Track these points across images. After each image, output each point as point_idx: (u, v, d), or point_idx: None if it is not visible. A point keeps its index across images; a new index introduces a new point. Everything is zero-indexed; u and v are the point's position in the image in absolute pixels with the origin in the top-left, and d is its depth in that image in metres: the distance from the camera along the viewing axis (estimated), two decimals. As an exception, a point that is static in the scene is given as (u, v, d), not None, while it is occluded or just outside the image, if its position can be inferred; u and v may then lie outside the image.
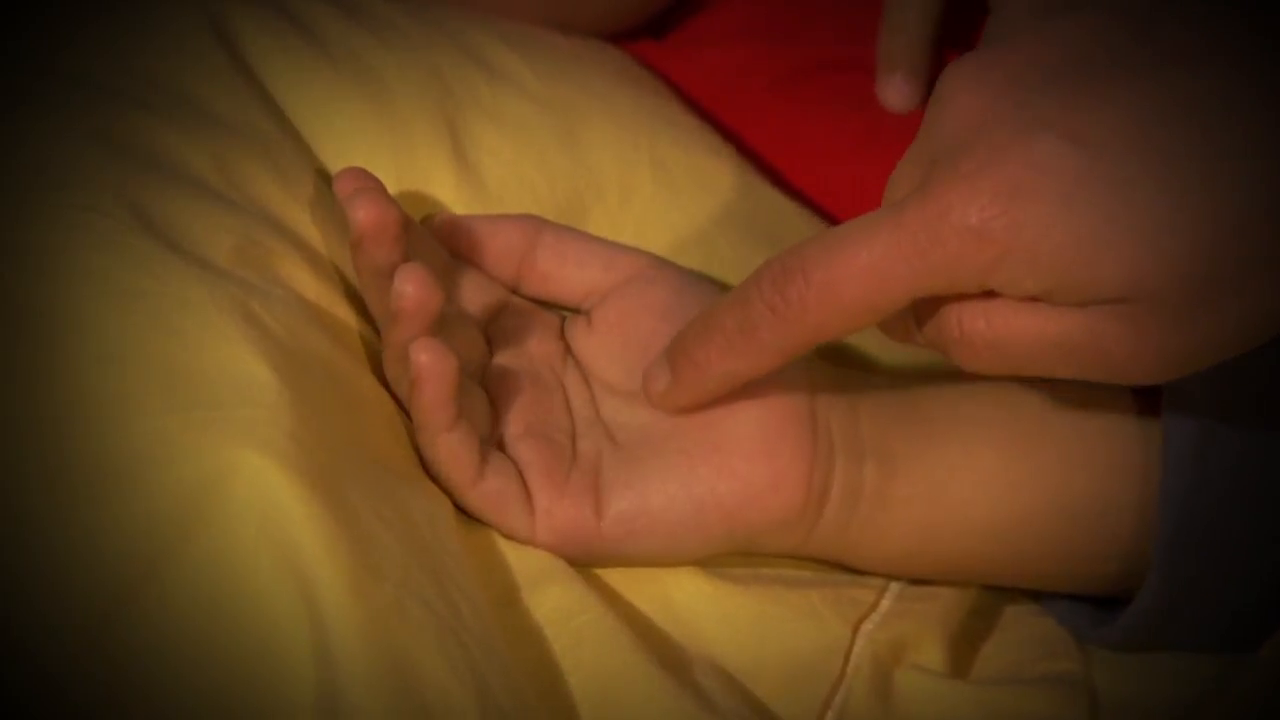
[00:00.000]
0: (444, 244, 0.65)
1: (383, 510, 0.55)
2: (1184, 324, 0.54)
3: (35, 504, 0.51)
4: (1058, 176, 0.53)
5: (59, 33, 0.64)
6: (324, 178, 0.65)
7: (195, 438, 0.53)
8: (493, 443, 0.61)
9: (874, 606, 0.64)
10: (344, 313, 0.62)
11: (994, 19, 0.58)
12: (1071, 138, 0.53)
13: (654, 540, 0.61)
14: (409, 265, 0.58)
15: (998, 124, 0.54)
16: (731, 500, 0.61)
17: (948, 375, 0.65)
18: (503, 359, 0.64)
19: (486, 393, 0.62)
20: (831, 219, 0.76)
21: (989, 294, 0.55)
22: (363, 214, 0.59)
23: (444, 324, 0.60)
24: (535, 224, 0.66)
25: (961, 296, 0.56)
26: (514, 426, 0.62)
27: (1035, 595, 0.68)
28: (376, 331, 0.63)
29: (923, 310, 0.57)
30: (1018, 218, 0.53)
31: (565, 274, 0.66)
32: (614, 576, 0.62)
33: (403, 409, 0.61)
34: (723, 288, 0.68)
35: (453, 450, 0.59)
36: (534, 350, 0.65)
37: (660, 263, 0.67)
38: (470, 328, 0.64)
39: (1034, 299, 0.55)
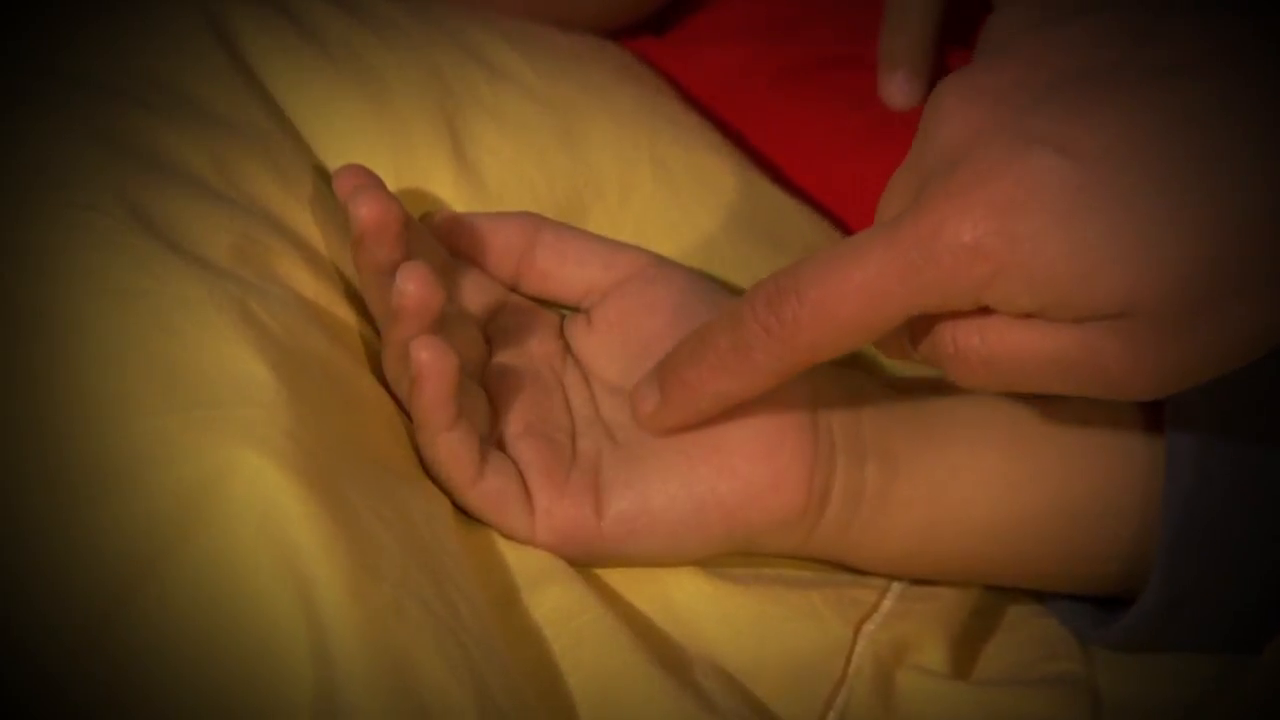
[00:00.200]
0: (443, 242, 0.65)
1: (381, 510, 0.56)
2: (1181, 339, 0.54)
3: (35, 504, 0.51)
4: (1052, 191, 0.53)
5: (58, 32, 0.64)
6: (323, 176, 0.65)
7: (194, 437, 0.53)
8: (492, 442, 0.61)
9: (875, 607, 0.64)
10: (343, 312, 0.62)
11: (988, 29, 0.58)
12: (1066, 152, 0.53)
13: (654, 540, 0.61)
14: (411, 264, 0.58)
15: (991, 139, 0.54)
16: (732, 500, 0.61)
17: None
18: (502, 358, 0.64)
19: (486, 392, 0.62)
20: (833, 217, 0.76)
21: (984, 310, 0.55)
22: (365, 211, 0.59)
23: (444, 323, 0.60)
24: (535, 222, 0.66)
25: (956, 313, 0.56)
26: (514, 426, 0.62)
27: (1038, 596, 0.68)
28: (375, 330, 0.63)
29: (917, 327, 0.57)
30: (1012, 234, 0.53)
31: (565, 272, 0.66)
32: (614, 576, 0.62)
33: (402, 408, 0.62)
34: (724, 286, 0.68)
35: (452, 449, 0.59)
36: (533, 349, 0.65)
37: (660, 261, 0.67)
38: (470, 326, 0.64)
39: (1030, 315, 0.55)
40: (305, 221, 0.63)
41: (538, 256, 0.66)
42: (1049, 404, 0.63)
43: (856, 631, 0.63)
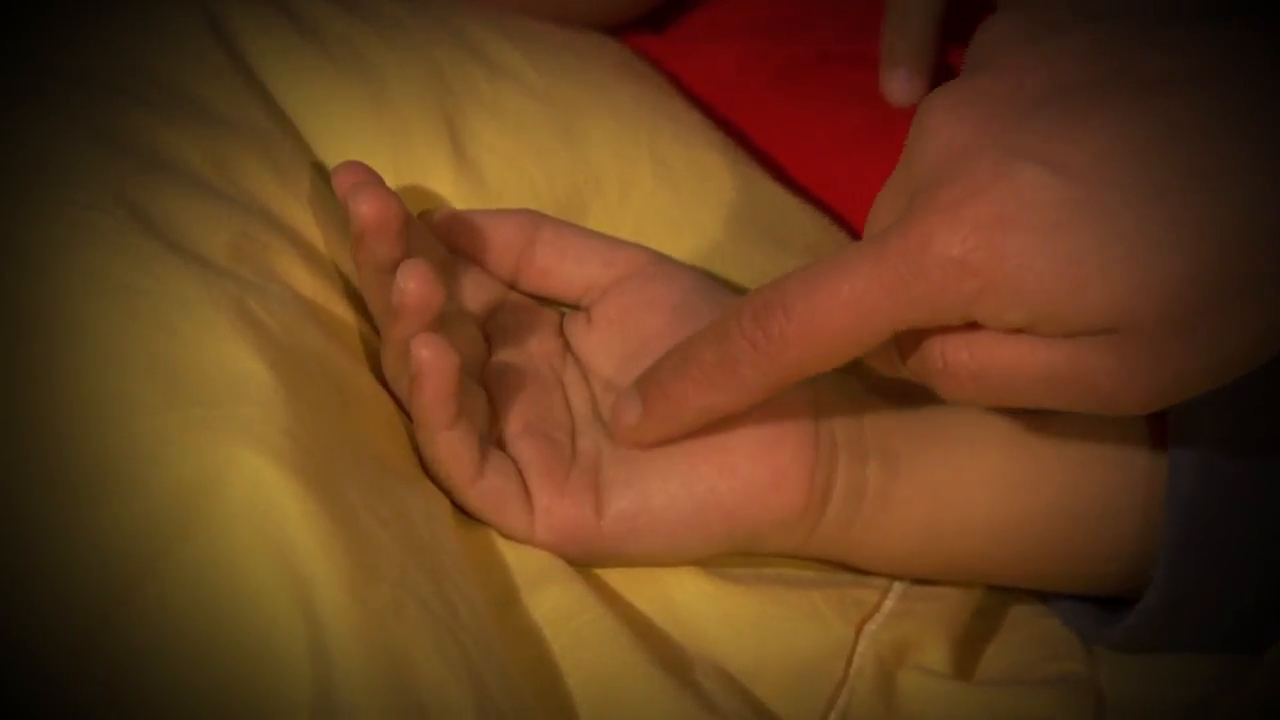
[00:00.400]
0: (442, 239, 0.65)
1: (380, 509, 0.56)
2: (1170, 354, 0.54)
3: (34, 503, 0.51)
4: (1041, 207, 0.53)
5: (57, 32, 0.64)
6: (322, 174, 0.65)
7: (192, 436, 0.53)
8: (492, 441, 0.61)
9: (877, 607, 0.64)
10: (342, 310, 0.62)
11: (975, 41, 0.58)
12: (1054, 167, 0.54)
13: (654, 539, 0.62)
14: (412, 261, 0.58)
15: (979, 154, 0.54)
16: (733, 499, 0.61)
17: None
18: (501, 356, 0.64)
19: (485, 390, 0.63)
20: (834, 214, 0.76)
21: (973, 325, 0.55)
22: (365, 208, 0.60)
23: (444, 321, 0.60)
24: (534, 219, 0.66)
25: (945, 328, 0.56)
26: (513, 425, 0.62)
27: (1040, 595, 0.68)
28: (374, 329, 0.63)
29: (906, 341, 0.57)
30: (1000, 249, 0.54)
31: (564, 270, 0.66)
32: (614, 576, 0.62)
33: (401, 407, 0.62)
34: (724, 284, 0.68)
35: (452, 448, 0.59)
36: (533, 347, 0.65)
37: (660, 258, 0.67)
38: (469, 325, 0.64)
39: (1019, 330, 0.55)
40: (304, 219, 0.63)
41: (537, 254, 0.66)
42: (1050, 405, 0.64)
43: (858, 631, 0.63)
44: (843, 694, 0.61)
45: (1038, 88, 0.55)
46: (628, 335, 0.65)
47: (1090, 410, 0.56)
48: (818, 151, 0.77)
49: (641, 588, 0.62)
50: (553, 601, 0.59)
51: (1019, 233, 0.53)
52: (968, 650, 0.65)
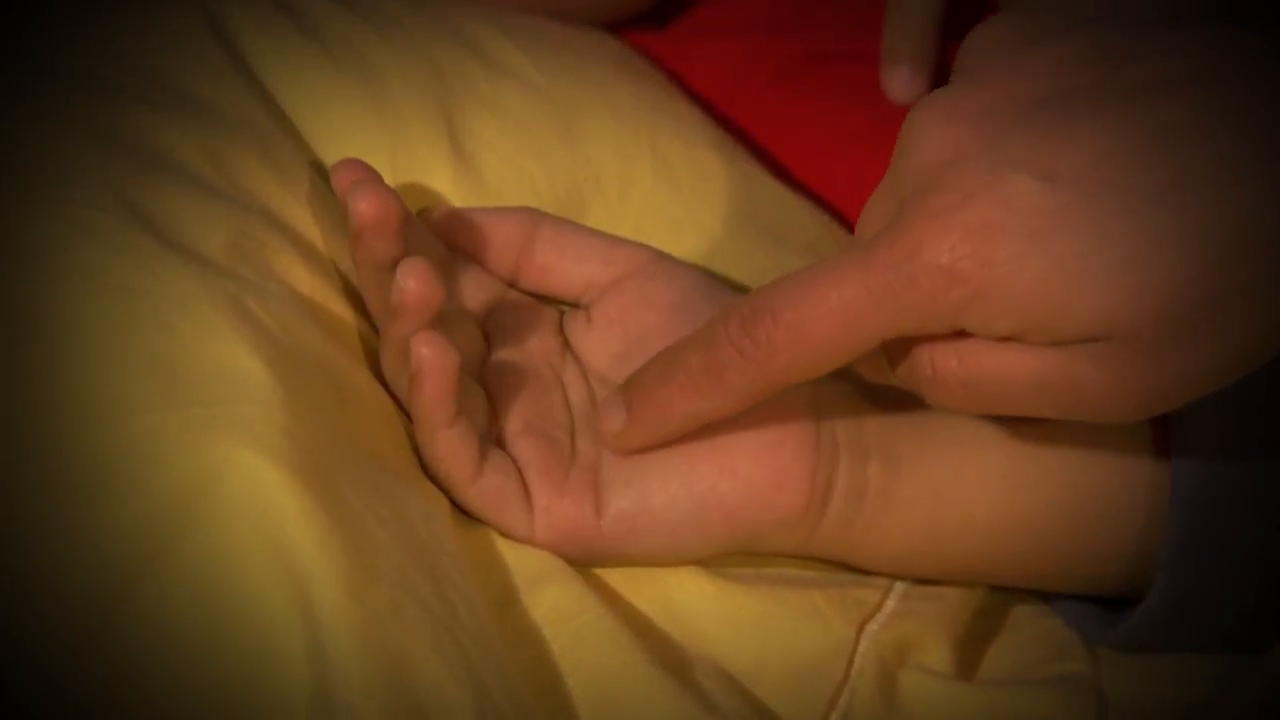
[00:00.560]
0: (441, 237, 0.65)
1: (378, 508, 0.56)
2: (1160, 362, 0.54)
3: (33, 503, 0.51)
4: (1029, 214, 0.53)
5: (57, 31, 0.64)
6: (321, 172, 0.66)
7: (190, 436, 0.53)
8: (491, 440, 0.62)
9: (878, 607, 0.64)
10: (340, 308, 0.62)
11: (965, 48, 0.58)
12: (1043, 175, 0.54)
13: (654, 539, 0.62)
14: (411, 260, 0.58)
15: (968, 161, 0.54)
16: (733, 499, 0.61)
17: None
18: (501, 355, 0.64)
19: (484, 389, 0.63)
20: (835, 212, 0.76)
21: (962, 333, 0.56)
22: (364, 206, 0.60)
23: (443, 319, 0.60)
24: (533, 217, 0.66)
25: (934, 335, 0.56)
26: (512, 423, 0.62)
27: (1042, 596, 0.68)
28: (373, 327, 0.63)
29: (895, 348, 0.57)
30: (989, 257, 0.54)
31: (564, 268, 0.66)
32: (614, 576, 0.62)
33: (399, 406, 0.62)
34: (725, 282, 0.69)
35: (452, 447, 0.60)
36: (532, 346, 0.65)
37: (660, 257, 0.67)
38: (468, 323, 0.64)
39: (1008, 338, 0.55)
40: (303, 218, 0.64)
41: (536, 252, 0.66)
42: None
43: (859, 631, 0.63)
44: (844, 694, 0.61)
45: (1026, 95, 0.55)
46: (628, 334, 0.65)
47: (1080, 418, 0.56)
48: (818, 149, 0.77)
49: (641, 588, 0.62)
50: (552, 601, 0.59)
51: (1008, 241, 0.53)
52: (969, 650, 0.65)
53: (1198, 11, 0.56)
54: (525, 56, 0.72)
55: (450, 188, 0.68)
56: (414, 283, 0.58)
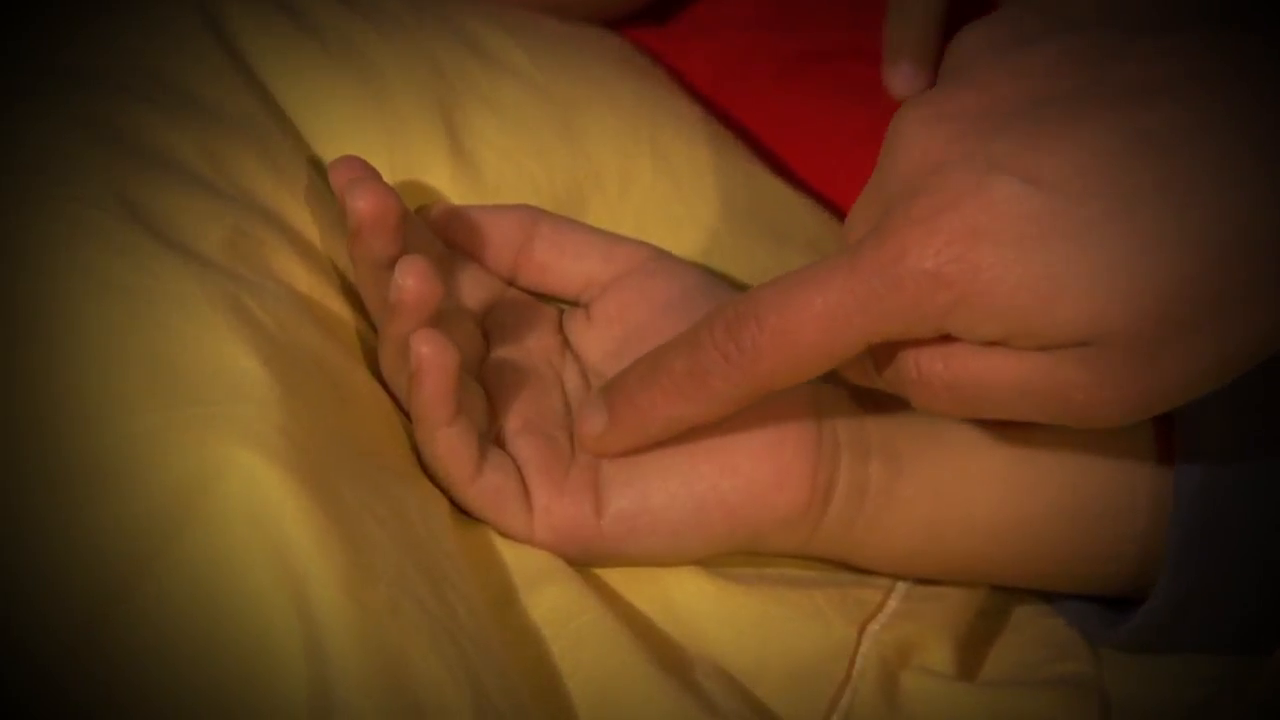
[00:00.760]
0: (439, 235, 0.66)
1: (376, 507, 0.56)
2: (1144, 368, 0.54)
3: (31, 503, 0.52)
4: (1015, 219, 0.54)
5: (58, 31, 0.64)
6: (319, 170, 0.66)
7: (188, 435, 0.53)
8: (490, 439, 0.62)
9: (880, 607, 0.64)
10: (337, 306, 0.63)
11: (951, 50, 0.58)
12: (1029, 179, 0.54)
13: (655, 539, 0.62)
14: (410, 257, 0.59)
15: (953, 166, 0.55)
16: (734, 498, 0.62)
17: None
18: (500, 353, 0.64)
19: (483, 388, 0.63)
20: (835, 209, 0.76)
21: (948, 337, 0.56)
22: (362, 203, 0.60)
23: (441, 317, 0.60)
24: (532, 215, 0.66)
25: (920, 339, 0.56)
26: (512, 422, 0.62)
27: (1045, 596, 0.68)
28: (371, 326, 0.63)
29: (881, 352, 0.58)
30: (974, 261, 0.54)
31: (563, 266, 0.66)
32: (614, 576, 0.62)
33: (398, 404, 0.62)
34: (725, 280, 0.69)
35: (451, 445, 0.60)
36: (532, 344, 0.65)
37: (660, 254, 0.67)
38: (467, 321, 0.64)
39: (994, 343, 0.55)
40: (301, 216, 0.64)
41: (536, 249, 0.66)
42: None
43: (861, 632, 0.63)
44: (845, 695, 0.62)
45: (1013, 97, 0.55)
46: (628, 332, 0.65)
47: (1066, 423, 0.56)
48: (819, 146, 0.77)
49: (641, 588, 0.62)
50: (551, 601, 0.59)
51: (993, 245, 0.54)
52: (971, 651, 0.65)
53: (1197, 12, 0.56)
54: (525, 54, 0.72)
55: (449, 185, 0.68)
56: (412, 281, 0.58)
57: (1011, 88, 0.56)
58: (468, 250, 0.66)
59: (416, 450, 0.61)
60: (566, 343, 0.66)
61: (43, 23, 0.64)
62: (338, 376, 0.60)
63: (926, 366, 0.56)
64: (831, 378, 0.61)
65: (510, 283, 0.67)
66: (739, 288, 0.69)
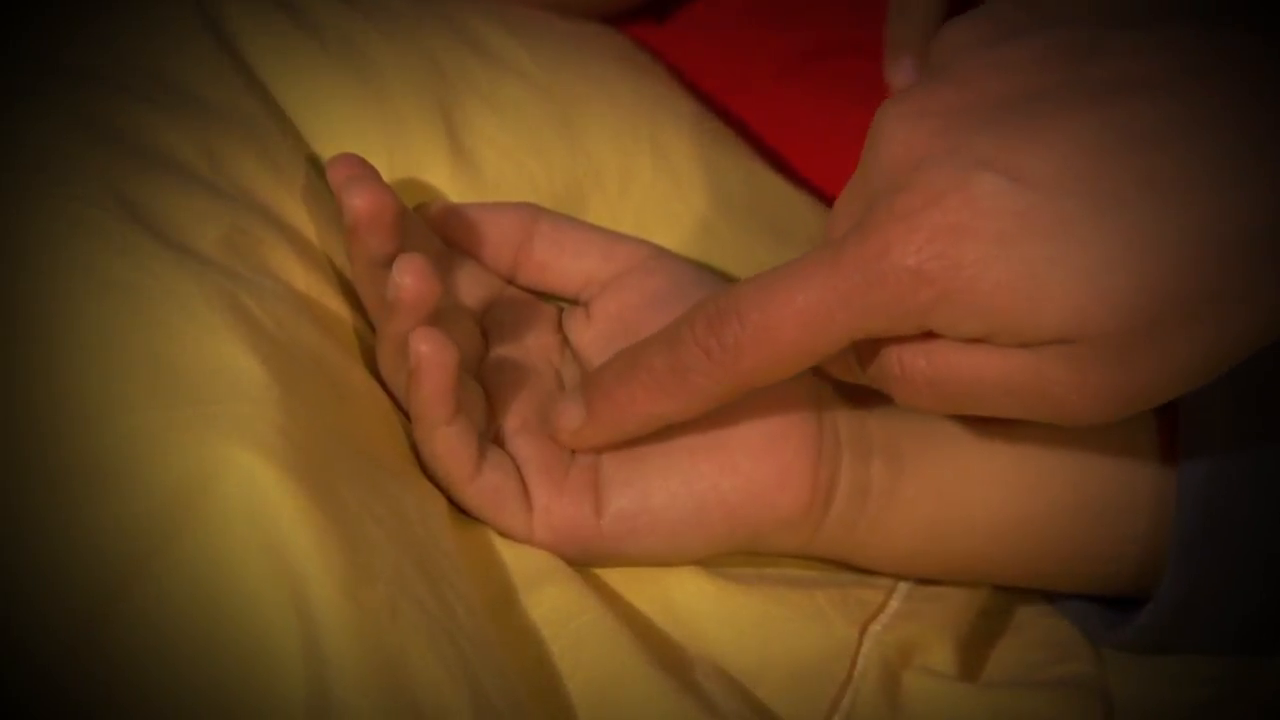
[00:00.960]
0: (438, 233, 0.66)
1: (375, 507, 0.56)
2: (1127, 365, 0.54)
3: (30, 502, 0.52)
4: (997, 216, 0.54)
5: (58, 30, 0.64)
6: (316, 166, 0.66)
7: (186, 435, 0.53)
8: (490, 438, 0.62)
9: (882, 607, 0.65)
10: (335, 304, 0.63)
11: (935, 45, 0.58)
12: (1011, 176, 0.54)
13: (655, 539, 0.62)
14: (407, 255, 0.59)
15: (935, 162, 0.55)
16: (735, 498, 0.62)
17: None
18: (499, 352, 0.65)
19: (483, 386, 0.63)
20: (836, 207, 0.76)
21: (931, 333, 0.56)
22: (358, 201, 0.60)
23: (440, 316, 0.60)
24: (532, 212, 0.67)
25: (902, 336, 0.56)
26: (511, 421, 0.63)
27: (1047, 596, 0.68)
28: (369, 324, 0.63)
29: (864, 348, 0.58)
30: (956, 258, 0.54)
31: (563, 264, 0.66)
32: (614, 576, 0.62)
33: (396, 403, 0.62)
34: (725, 278, 0.69)
35: (450, 444, 0.60)
36: (531, 343, 0.65)
37: (661, 252, 0.67)
38: (466, 320, 0.65)
39: (977, 339, 0.55)
40: (298, 213, 0.64)
41: (535, 248, 0.66)
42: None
43: (862, 632, 0.63)
44: (846, 695, 0.62)
45: (997, 94, 0.55)
46: (628, 331, 0.65)
47: (1048, 420, 0.56)
48: (820, 143, 0.77)
49: (641, 588, 0.62)
50: (551, 602, 0.59)
51: (975, 242, 0.54)
52: (973, 651, 0.65)
53: (1189, 9, 0.56)
54: (524, 50, 0.72)
55: (448, 183, 0.68)
56: (410, 279, 0.58)
57: (995, 83, 0.56)
58: (467, 248, 0.66)
59: (415, 449, 0.61)
60: (566, 341, 0.66)
61: (43, 22, 0.64)
62: (336, 375, 0.60)
63: (909, 363, 0.57)
64: (816, 374, 0.61)
65: (510, 281, 0.67)
66: (740, 286, 0.69)
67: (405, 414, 0.62)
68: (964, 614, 0.65)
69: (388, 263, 0.60)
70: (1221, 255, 0.53)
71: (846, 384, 0.64)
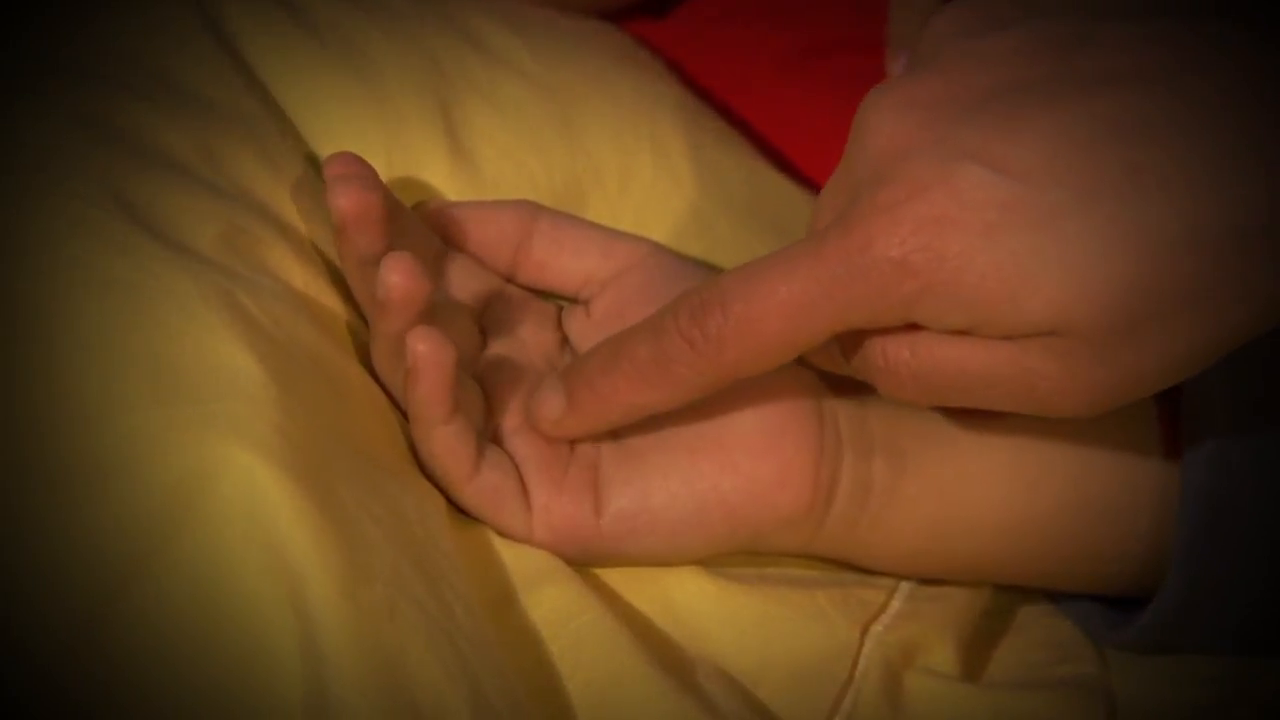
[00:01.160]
0: (436, 231, 0.66)
1: (373, 507, 0.56)
2: (1111, 357, 0.54)
3: (28, 502, 0.52)
4: (981, 208, 0.54)
5: (58, 29, 0.64)
6: (314, 164, 0.66)
7: (184, 434, 0.53)
8: (488, 436, 0.62)
9: (883, 607, 0.65)
10: (333, 303, 0.63)
11: (921, 36, 0.58)
12: (995, 167, 0.54)
13: (655, 539, 0.62)
14: (394, 254, 0.58)
15: (920, 154, 0.55)
16: (736, 497, 0.62)
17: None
18: (498, 350, 0.64)
19: (481, 385, 0.63)
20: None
21: (915, 324, 0.56)
22: (344, 200, 0.60)
23: (436, 314, 0.60)
24: (531, 210, 0.67)
25: (887, 327, 0.56)
26: (510, 420, 0.63)
27: (1050, 596, 0.68)
28: (367, 323, 0.63)
29: (849, 339, 0.58)
30: (940, 250, 0.54)
31: (562, 262, 0.66)
32: (613, 576, 0.63)
33: (394, 402, 0.62)
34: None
35: (449, 444, 0.60)
36: (530, 341, 0.65)
37: (661, 250, 0.67)
38: (464, 318, 0.65)
39: (960, 331, 0.55)
40: (294, 210, 0.64)
41: (534, 246, 0.66)
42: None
43: (864, 632, 0.64)
44: (848, 696, 0.62)
45: (981, 86, 0.55)
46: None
47: (1032, 412, 0.56)
48: (821, 140, 0.77)
49: (641, 588, 0.62)
50: (551, 602, 0.60)
51: (959, 234, 0.54)
52: (976, 651, 0.66)
53: (1181, 3, 0.55)
54: (523, 46, 0.72)
55: (447, 181, 0.68)
56: (397, 278, 0.58)
57: (981, 74, 0.55)
58: (466, 246, 0.66)
59: (413, 448, 0.61)
60: (565, 340, 0.66)
61: (42, 22, 0.64)
62: (334, 374, 0.60)
63: (893, 354, 0.57)
64: (800, 365, 0.61)
65: (509, 279, 0.67)
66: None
67: (403, 413, 0.62)
68: (966, 614, 0.66)
69: (377, 261, 0.60)
70: (1211, 249, 0.53)
71: (846, 381, 0.64)
